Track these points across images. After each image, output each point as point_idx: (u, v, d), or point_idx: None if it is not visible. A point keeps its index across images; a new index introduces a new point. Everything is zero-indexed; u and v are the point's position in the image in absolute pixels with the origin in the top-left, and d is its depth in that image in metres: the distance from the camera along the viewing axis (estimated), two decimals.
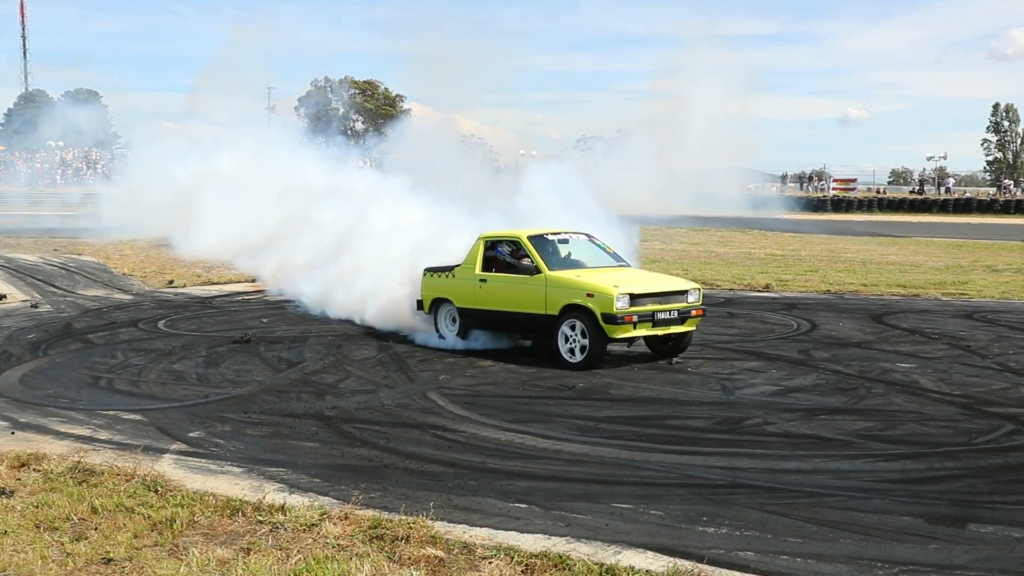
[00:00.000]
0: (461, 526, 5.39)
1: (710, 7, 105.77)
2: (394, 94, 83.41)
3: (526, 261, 10.90)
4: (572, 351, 10.20)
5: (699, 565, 4.78)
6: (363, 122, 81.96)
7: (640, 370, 10.11)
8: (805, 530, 5.31)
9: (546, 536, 5.22)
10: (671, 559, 4.87)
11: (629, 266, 11.50)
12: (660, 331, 10.34)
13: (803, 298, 16.40)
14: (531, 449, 7.01)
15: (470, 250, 11.52)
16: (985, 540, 5.17)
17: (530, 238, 11.01)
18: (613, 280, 10.27)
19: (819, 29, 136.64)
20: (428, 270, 11.92)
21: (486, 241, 11.44)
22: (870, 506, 5.72)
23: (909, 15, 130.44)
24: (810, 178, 64.54)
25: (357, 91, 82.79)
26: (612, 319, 9.86)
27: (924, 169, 72.16)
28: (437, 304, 11.75)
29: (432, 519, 5.41)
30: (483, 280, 11.24)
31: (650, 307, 10.13)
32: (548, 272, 10.57)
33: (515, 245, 11.18)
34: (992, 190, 61.24)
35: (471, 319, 11.38)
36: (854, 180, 62.63)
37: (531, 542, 5.12)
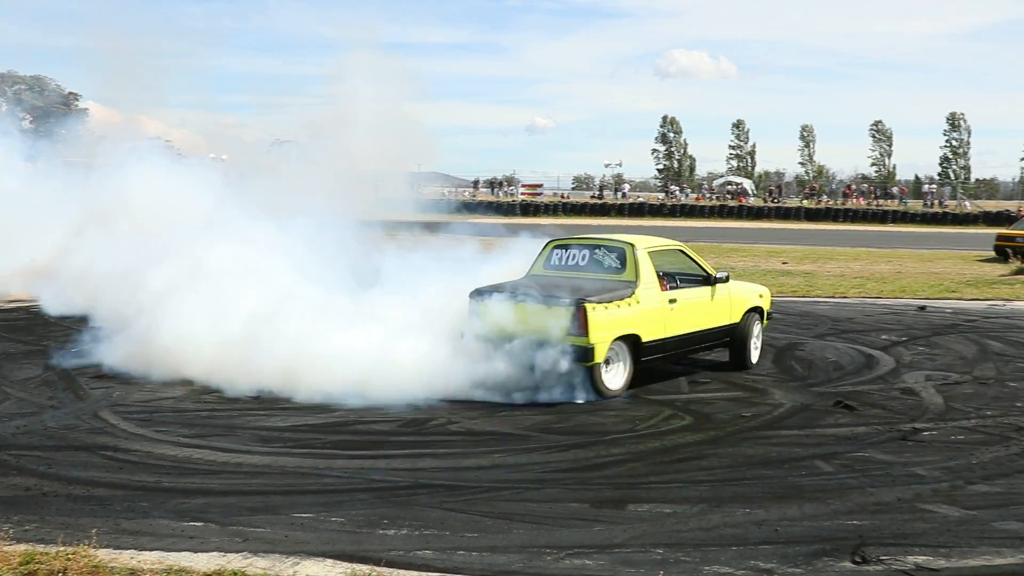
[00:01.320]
0: (129, 551, 5.06)
1: (401, 14, 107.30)
2: (67, 91, 77.16)
3: (692, 271, 10.15)
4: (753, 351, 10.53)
5: (377, 568, 4.81)
6: (31, 120, 75.15)
7: None
8: (482, 524, 5.50)
9: (221, 554, 5.03)
10: (350, 565, 4.86)
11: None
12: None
13: None
14: (210, 464, 6.73)
15: (638, 265, 9.29)
16: (641, 518, 5.62)
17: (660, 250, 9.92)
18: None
19: (505, 40, 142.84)
20: (586, 301, 8.60)
21: (648, 252, 9.51)
22: (543, 496, 6.02)
23: (586, 31, 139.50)
24: (500, 183, 67.11)
25: (24, 87, 75.78)
26: (768, 315, 11.05)
27: (603, 175, 77.36)
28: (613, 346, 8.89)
29: (95, 547, 5.03)
30: (673, 300, 9.50)
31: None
32: (716, 278, 10.08)
33: (679, 254, 10.19)
34: (661, 195, 66.69)
35: (656, 353, 9.34)
36: (540, 185, 65.97)
37: (205, 561, 4.91)
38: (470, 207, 54.23)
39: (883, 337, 12.55)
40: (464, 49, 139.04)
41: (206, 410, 8.45)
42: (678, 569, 4.82)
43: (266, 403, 8.67)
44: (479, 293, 9.10)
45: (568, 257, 9.87)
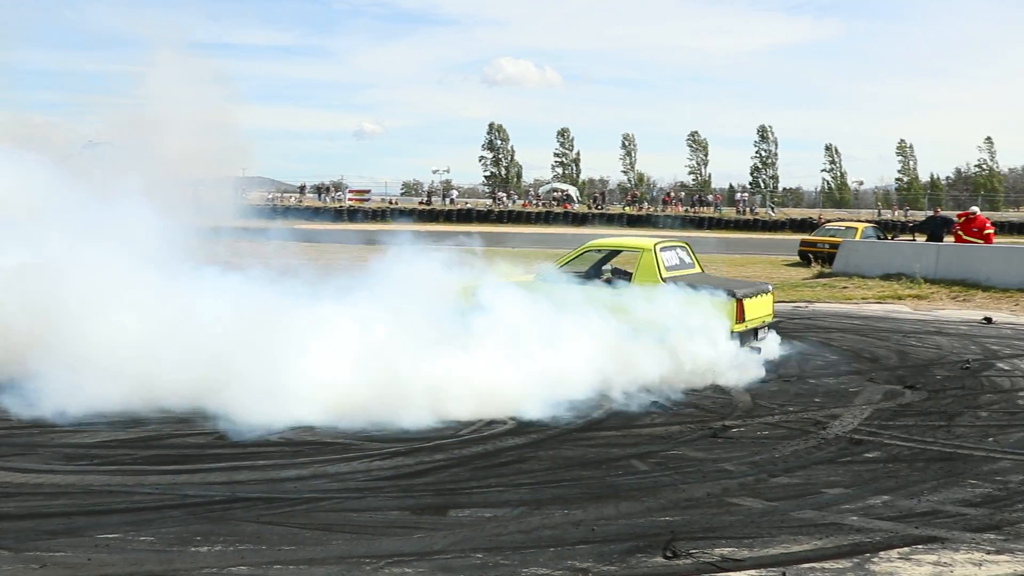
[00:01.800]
0: None
1: (222, 14, 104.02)
2: None
3: None
4: None
5: None
6: None
7: None
8: (299, 536, 5.38)
9: None
10: None
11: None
12: None
13: None
14: (6, 486, 6.29)
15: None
16: (462, 523, 5.63)
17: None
18: None
19: (332, 44, 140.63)
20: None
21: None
22: (363, 505, 5.95)
23: (414, 37, 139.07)
24: (328, 189, 66.12)
25: None
26: None
27: (432, 181, 77.45)
28: None
29: None
30: None
31: None
32: None
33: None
34: (489, 201, 67.37)
35: None
36: (368, 191, 65.42)
37: None
38: (297, 212, 53.19)
39: None
40: (290, 52, 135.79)
41: (3, 428, 7.89)
42: (497, 573, 4.87)
43: (73, 419, 8.17)
44: (732, 295, 10.40)
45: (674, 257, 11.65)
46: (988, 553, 5.19)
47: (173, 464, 6.83)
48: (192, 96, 12.59)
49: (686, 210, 59.63)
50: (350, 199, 61.07)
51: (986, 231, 22.64)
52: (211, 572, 4.84)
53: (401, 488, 6.32)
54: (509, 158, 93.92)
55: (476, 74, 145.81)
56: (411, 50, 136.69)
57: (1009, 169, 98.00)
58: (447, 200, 65.46)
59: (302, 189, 67.50)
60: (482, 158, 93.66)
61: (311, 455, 7.08)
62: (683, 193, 72.88)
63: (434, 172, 77.41)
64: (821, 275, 23.28)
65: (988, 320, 15.69)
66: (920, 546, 5.30)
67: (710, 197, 69.55)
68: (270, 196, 59.09)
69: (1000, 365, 11.40)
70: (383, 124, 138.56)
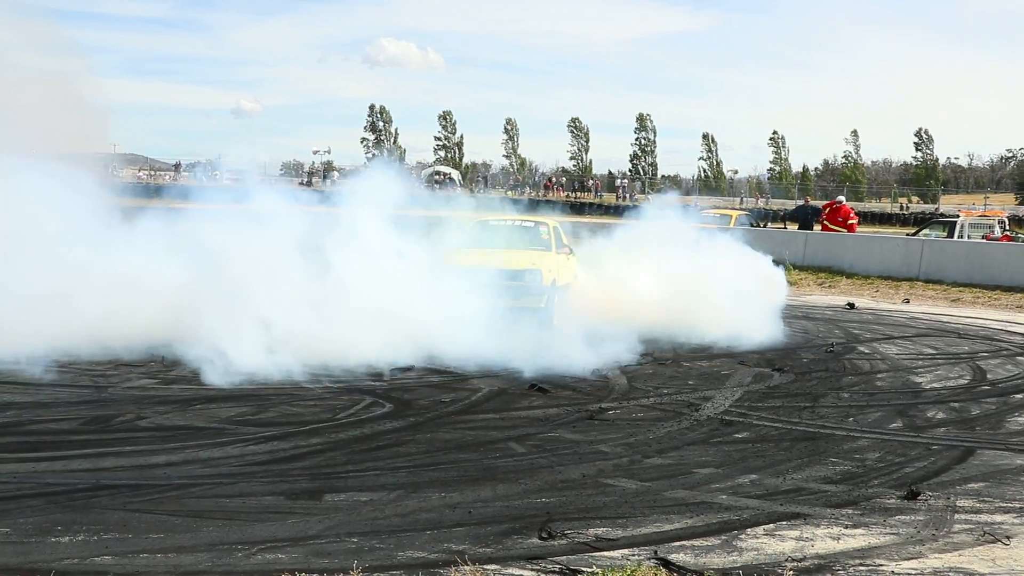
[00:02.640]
0: None
1: None
2: None
3: None
4: None
5: None
6: None
7: None
8: (169, 524, 5.21)
9: None
10: None
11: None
12: None
13: None
14: None
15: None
16: (338, 507, 5.56)
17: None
18: None
19: (208, 18, 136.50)
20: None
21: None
22: (236, 490, 5.81)
23: (294, 15, 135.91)
24: (203, 166, 64.20)
25: None
26: None
27: (312, 162, 76.15)
28: None
29: None
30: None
31: None
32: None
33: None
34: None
35: None
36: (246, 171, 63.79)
37: None
38: (174, 191, 51.41)
39: None
40: (164, 25, 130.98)
41: None
42: (372, 557, 4.82)
43: None
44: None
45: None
46: (846, 527, 5.43)
47: (33, 451, 6.51)
48: (37, 66, 12.00)
49: (567, 195, 60.32)
50: (228, 178, 59.40)
51: (850, 220, 23.68)
52: (73, 563, 4.64)
53: (276, 473, 6.20)
54: (392, 140, 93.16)
55: (358, 54, 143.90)
56: (291, 27, 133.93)
57: (872, 162, 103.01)
58: (328, 181, 64.42)
59: (176, 167, 65.40)
60: (364, 140, 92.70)
61: (183, 440, 6.87)
62: (564, 179, 73.63)
63: (315, 153, 76.21)
64: None
65: (851, 306, 16.42)
66: (784, 522, 5.50)
67: (591, 183, 70.56)
68: (141, 174, 57.05)
69: (861, 348, 11.96)
70: (262, 102, 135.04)
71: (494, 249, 12.46)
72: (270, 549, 4.89)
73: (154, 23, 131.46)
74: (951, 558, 5.06)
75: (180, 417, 7.56)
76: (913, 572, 4.85)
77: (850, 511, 5.73)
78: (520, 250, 12.64)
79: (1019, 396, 9.36)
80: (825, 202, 28.32)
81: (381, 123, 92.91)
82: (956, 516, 5.68)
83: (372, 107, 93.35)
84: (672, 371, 10.11)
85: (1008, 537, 5.37)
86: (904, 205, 61.91)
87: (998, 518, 5.69)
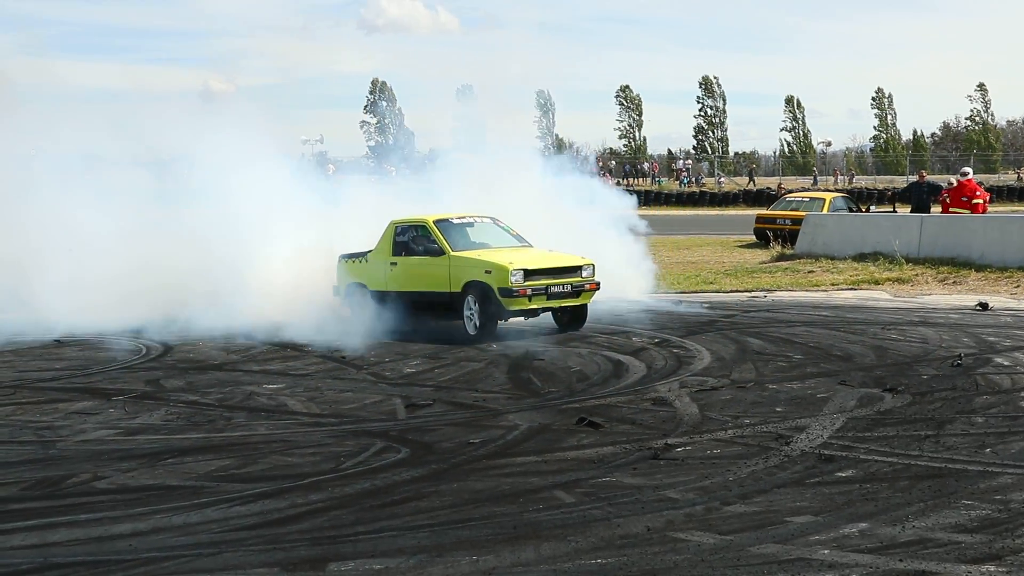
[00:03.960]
0: None
1: None
2: None
3: (433, 244, 14.56)
4: (474, 324, 13.89)
5: None
6: None
7: None
8: None
9: None
10: None
11: (531, 246, 15.04)
12: (555, 303, 14.06)
13: None
14: None
15: (381, 236, 15.22)
16: None
17: (436, 222, 14.80)
18: (509, 258, 13.92)
19: None
20: (343, 256, 15.81)
21: (396, 227, 15.19)
22: (220, 563, 5.87)
23: None
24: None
25: None
26: (508, 292, 13.43)
27: (302, 155, 76.56)
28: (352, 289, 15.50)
29: None
30: (394, 263, 15.04)
31: (543, 281, 13.76)
32: (452, 252, 14.30)
33: (422, 229, 14.83)
34: (375, 177, 67.11)
35: (383, 301, 14.85)
36: None
37: None
38: None
39: (633, 340, 13.27)
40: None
41: None
42: None
43: None
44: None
45: None
46: None
47: None
48: None
49: (617, 182, 60.32)
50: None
51: (977, 199, 23.41)
52: None
53: (268, 539, 6.26)
54: (398, 124, 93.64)
55: (351, 18, 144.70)
56: None
57: (1008, 122, 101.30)
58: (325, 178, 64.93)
59: None
60: (364, 124, 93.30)
61: (151, 503, 6.96)
62: (613, 162, 73.64)
63: (304, 142, 76.63)
64: (782, 257, 23.83)
65: (984, 306, 16.26)
66: None
67: (646, 166, 70.61)
68: None
69: (998, 360, 11.83)
70: (235, 82, 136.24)
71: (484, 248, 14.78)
72: None
73: None
74: None
75: (147, 475, 7.66)
76: None
77: (992, 567, 5.66)
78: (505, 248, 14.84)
79: None
80: (949, 177, 28.08)
81: (384, 103, 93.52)
82: None
83: (374, 83, 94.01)
84: (755, 396, 10.08)
85: None
86: None
87: None
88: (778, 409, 9.52)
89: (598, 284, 14.48)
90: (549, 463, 7.85)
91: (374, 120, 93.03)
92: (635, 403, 9.83)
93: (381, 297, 14.97)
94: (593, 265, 14.43)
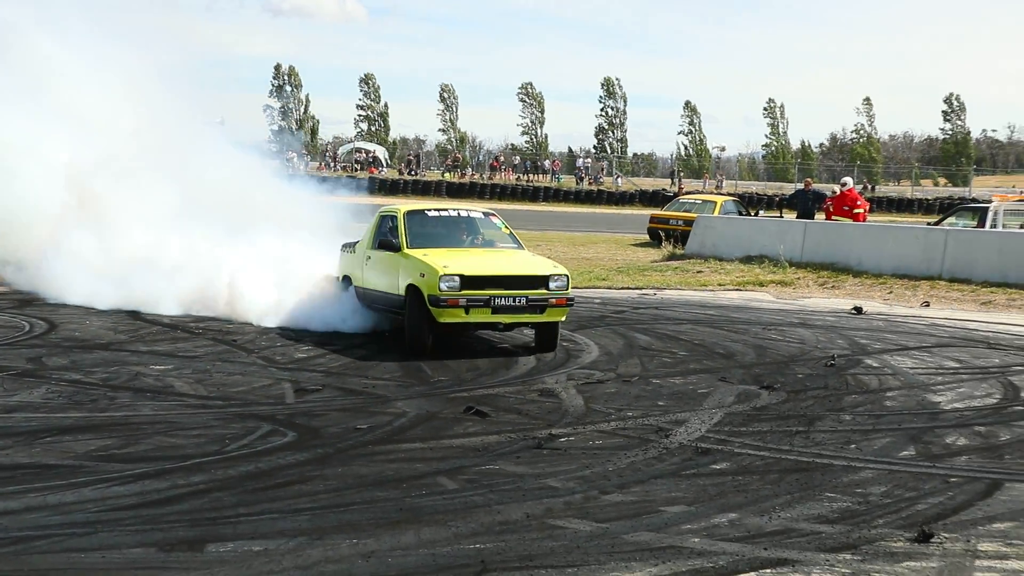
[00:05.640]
0: None
1: None
2: None
3: (395, 238, 12.52)
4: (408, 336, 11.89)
5: None
6: None
7: None
8: None
9: None
10: None
11: (520, 248, 13.01)
12: (505, 318, 11.65)
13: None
14: None
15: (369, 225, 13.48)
16: (223, 559, 5.53)
17: (407, 213, 12.93)
18: (453, 261, 11.66)
19: None
20: (342, 246, 14.19)
21: (380, 216, 13.38)
22: (94, 542, 5.74)
23: None
24: None
25: None
26: (437, 301, 11.31)
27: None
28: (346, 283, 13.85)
29: None
30: (368, 257, 13.17)
31: (489, 292, 11.40)
32: (405, 249, 12.23)
33: (393, 220, 12.90)
34: (275, 163, 66.26)
35: (362, 299, 13.31)
36: None
37: None
38: None
39: (525, 332, 13.34)
40: None
41: None
42: None
43: None
44: None
45: None
46: None
47: None
48: None
49: (518, 178, 60.56)
50: None
51: (857, 208, 24.01)
52: None
53: (147, 519, 6.15)
54: (302, 109, 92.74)
55: (256, 1, 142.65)
56: None
57: (890, 136, 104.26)
58: None
59: None
60: (267, 108, 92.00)
61: (25, 482, 6.77)
62: (515, 158, 73.83)
63: (204, 124, 75.51)
64: (672, 257, 24.18)
65: (858, 310, 16.69)
66: (768, 570, 5.58)
67: (547, 163, 70.92)
68: None
69: (868, 362, 12.17)
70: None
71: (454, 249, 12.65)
72: None
73: None
74: None
75: (23, 454, 7.46)
76: None
77: (848, 556, 5.83)
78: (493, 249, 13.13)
79: None
80: (832, 186, 28.78)
81: (289, 87, 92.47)
82: (977, 562, 5.80)
83: (278, 67, 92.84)
84: (638, 390, 10.21)
85: None
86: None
87: None
88: (660, 403, 9.66)
89: (569, 299, 12.02)
90: (435, 450, 7.86)
91: (278, 104, 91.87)
92: (522, 394, 9.89)
93: (361, 295, 13.34)
94: (567, 276, 12.04)
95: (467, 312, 11.51)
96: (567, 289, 11.92)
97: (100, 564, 5.45)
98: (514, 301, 11.57)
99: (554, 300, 11.74)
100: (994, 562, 5.82)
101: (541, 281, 11.77)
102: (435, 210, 13.55)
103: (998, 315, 16.74)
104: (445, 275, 11.37)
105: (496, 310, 11.57)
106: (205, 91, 20.40)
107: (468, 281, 11.42)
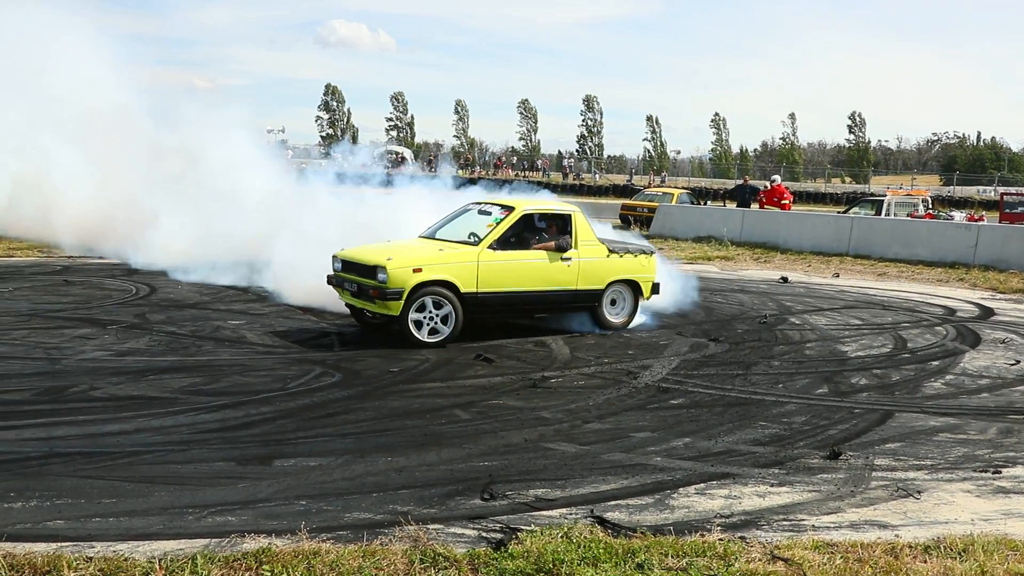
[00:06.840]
0: None
1: None
2: None
3: None
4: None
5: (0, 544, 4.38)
6: None
7: None
8: (121, 489, 5.19)
9: None
10: None
11: (471, 245, 9.96)
12: (357, 303, 9.95)
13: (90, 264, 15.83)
14: None
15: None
16: (287, 472, 5.57)
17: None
18: (362, 247, 10.08)
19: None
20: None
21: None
22: (188, 457, 5.79)
23: None
24: None
25: None
26: (329, 279, 10.33)
27: (267, 142, 75.02)
28: None
29: None
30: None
31: (348, 276, 9.86)
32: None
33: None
34: (325, 162, 66.07)
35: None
36: None
37: None
38: None
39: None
40: (111, 2, 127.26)
41: None
42: (320, 518, 4.85)
43: None
44: None
45: None
46: (772, 486, 5.58)
47: None
48: None
49: (516, 174, 60.24)
50: None
51: (784, 200, 23.99)
52: (26, 527, 4.61)
53: (227, 440, 6.19)
54: (345, 120, 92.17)
55: (309, 35, 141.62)
56: (240, 7, 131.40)
57: (808, 144, 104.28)
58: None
59: None
60: (318, 119, 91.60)
61: (135, 409, 6.81)
62: (515, 158, 73.44)
63: (268, 132, 75.00)
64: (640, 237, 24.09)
65: (784, 280, 16.67)
66: (714, 482, 5.63)
67: (539, 162, 70.51)
68: None
69: (792, 320, 12.17)
70: (215, 81, 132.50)
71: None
72: (220, 512, 4.90)
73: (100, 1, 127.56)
74: (867, 512, 5.23)
75: (133, 388, 7.49)
76: (832, 526, 5.01)
77: (776, 471, 5.88)
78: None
79: (936, 363, 9.62)
80: (764, 182, 28.72)
81: (335, 103, 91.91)
82: (874, 474, 5.87)
83: (327, 87, 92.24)
84: (613, 341, 10.22)
85: (919, 492, 5.56)
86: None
87: (911, 475, 5.89)
88: (630, 352, 9.67)
89: (381, 291, 9.26)
90: (451, 388, 7.88)
91: (326, 116, 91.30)
92: (521, 344, 9.90)
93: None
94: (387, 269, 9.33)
95: (341, 293, 10.20)
96: (387, 284, 9.29)
97: (192, 473, 5.49)
98: (352, 287, 9.81)
99: (371, 291, 9.39)
100: (886, 473, 5.92)
101: (371, 271, 9.47)
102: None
103: (891, 283, 16.73)
104: (334, 256, 10.24)
105: (354, 295, 9.85)
106: (270, 106, 19.78)
107: (345, 265, 10.01)
